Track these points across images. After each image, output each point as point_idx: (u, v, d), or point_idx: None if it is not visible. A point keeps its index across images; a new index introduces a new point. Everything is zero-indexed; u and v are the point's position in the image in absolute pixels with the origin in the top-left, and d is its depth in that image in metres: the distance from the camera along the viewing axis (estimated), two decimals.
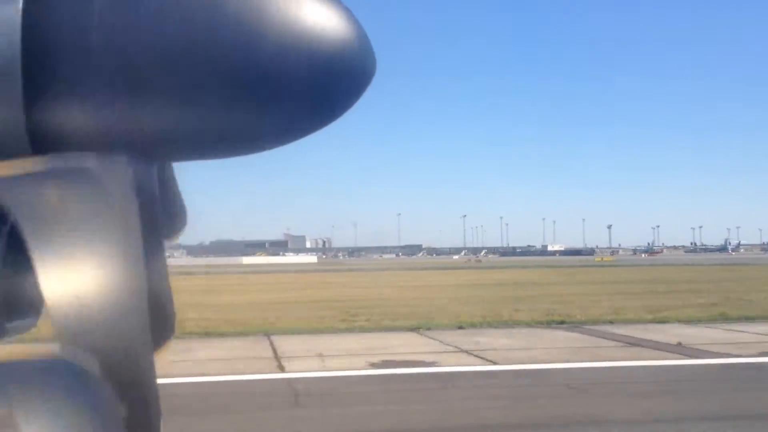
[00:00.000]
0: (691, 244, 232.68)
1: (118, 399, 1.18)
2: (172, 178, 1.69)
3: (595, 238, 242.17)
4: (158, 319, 1.40)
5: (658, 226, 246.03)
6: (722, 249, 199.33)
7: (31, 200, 1.23)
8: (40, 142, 1.27)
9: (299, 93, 1.39)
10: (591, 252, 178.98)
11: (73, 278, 1.17)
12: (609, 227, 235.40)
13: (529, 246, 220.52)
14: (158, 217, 1.44)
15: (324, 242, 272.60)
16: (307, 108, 1.44)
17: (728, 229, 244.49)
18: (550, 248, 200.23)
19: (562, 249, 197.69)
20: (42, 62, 1.26)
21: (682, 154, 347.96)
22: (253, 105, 1.38)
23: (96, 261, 1.18)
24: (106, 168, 1.26)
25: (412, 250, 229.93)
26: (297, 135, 1.51)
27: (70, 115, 1.30)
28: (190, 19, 1.32)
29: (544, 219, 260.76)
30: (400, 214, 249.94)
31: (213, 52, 1.31)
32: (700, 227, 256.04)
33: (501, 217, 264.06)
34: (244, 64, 1.33)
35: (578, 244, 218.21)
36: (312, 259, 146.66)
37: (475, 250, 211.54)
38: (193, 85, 1.33)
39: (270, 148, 1.52)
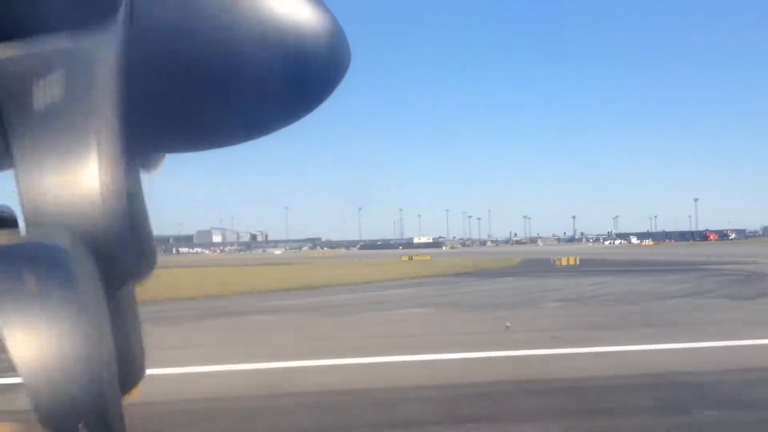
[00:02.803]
0: (564, 233, 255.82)
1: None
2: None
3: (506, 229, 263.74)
4: (128, 367, 1.43)
5: (574, 217, 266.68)
6: (576, 239, 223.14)
7: (9, 85, 1.18)
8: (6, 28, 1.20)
9: (273, 87, 1.37)
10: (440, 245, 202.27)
11: (49, 170, 1.14)
12: (476, 220, 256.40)
13: (437, 239, 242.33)
14: (127, 266, 1.41)
15: (254, 236, 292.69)
16: (280, 101, 1.43)
17: (650, 218, 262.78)
18: (415, 240, 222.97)
19: (429, 241, 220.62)
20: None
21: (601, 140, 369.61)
22: (227, 98, 1.37)
23: (73, 149, 1.15)
24: (83, 48, 1.20)
25: (308, 243, 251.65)
26: (272, 128, 1.51)
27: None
28: (165, 16, 1.30)
29: (447, 211, 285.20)
30: (287, 207, 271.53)
31: (188, 48, 1.30)
32: (617, 217, 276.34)
33: (400, 209, 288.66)
34: (219, 58, 1.31)
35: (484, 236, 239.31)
36: None
37: (372, 243, 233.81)
38: (169, 81, 1.32)
39: (246, 140, 1.52)
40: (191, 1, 1.32)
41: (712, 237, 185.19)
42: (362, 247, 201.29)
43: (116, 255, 1.22)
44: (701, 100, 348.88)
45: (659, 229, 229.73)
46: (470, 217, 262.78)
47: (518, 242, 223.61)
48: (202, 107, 1.39)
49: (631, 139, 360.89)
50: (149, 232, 1.62)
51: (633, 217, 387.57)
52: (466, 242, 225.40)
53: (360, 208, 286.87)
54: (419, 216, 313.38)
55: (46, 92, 1.17)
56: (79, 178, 1.14)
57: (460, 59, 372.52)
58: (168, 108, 1.38)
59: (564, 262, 52.01)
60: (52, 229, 1.15)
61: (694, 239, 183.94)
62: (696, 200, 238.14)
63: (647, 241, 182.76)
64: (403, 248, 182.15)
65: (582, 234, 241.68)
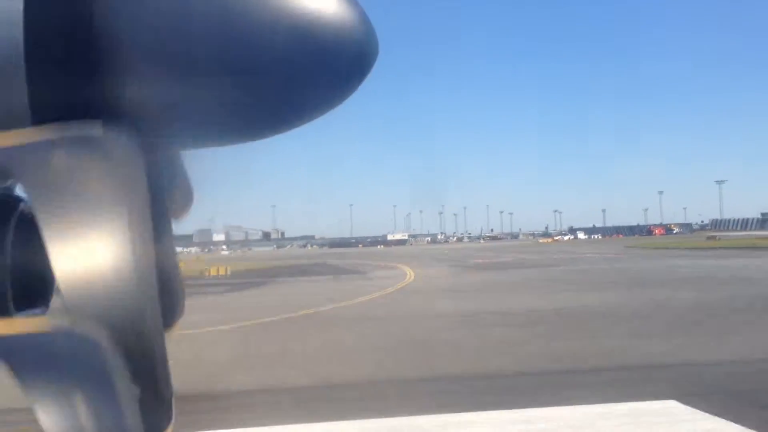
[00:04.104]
0: (545, 227, 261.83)
1: (127, 369, 1.21)
2: (177, 154, 1.65)
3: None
4: (167, 298, 1.42)
5: (555, 211, 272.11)
6: (546, 234, 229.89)
7: (38, 169, 1.20)
8: (42, 113, 1.22)
9: (302, 78, 1.37)
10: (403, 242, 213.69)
11: (81, 249, 1.15)
12: (452, 216, 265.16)
13: (410, 235, 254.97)
14: (164, 194, 1.40)
15: (267, 234, 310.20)
16: (309, 93, 1.42)
17: (644, 210, 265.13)
18: (389, 237, 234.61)
19: (403, 238, 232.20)
20: (46, 39, 1.22)
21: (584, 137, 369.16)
22: (254, 91, 1.36)
23: (104, 230, 1.15)
24: (113, 136, 1.22)
25: (306, 240, 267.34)
26: (302, 120, 1.50)
27: (75, 87, 1.28)
28: (191, 9, 1.30)
29: (443, 206, 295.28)
30: (274, 205, 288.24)
31: (215, 38, 1.30)
32: (604, 210, 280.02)
33: (394, 206, 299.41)
34: (245, 50, 1.32)
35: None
36: None
37: (360, 239, 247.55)
38: (197, 70, 1.32)
39: (274, 134, 1.52)
40: None
41: (657, 231, 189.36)
42: (332, 246, 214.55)
43: (146, 324, 1.24)
44: (689, 96, 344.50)
45: (651, 221, 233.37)
46: (440, 213, 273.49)
47: (494, 238, 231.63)
48: (229, 100, 1.41)
49: (622, 134, 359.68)
50: (178, 285, 1.65)
51: (623, 210, 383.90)
52: (438, 238, 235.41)
53: (351, 205, 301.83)
54: (411, 213, 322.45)
55: (75, 175, 1.20)
56: (109, 257, 1.15)
57: (439, 58, 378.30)
58: (197, 102, 1.40)
59: (213, 273, 49.95)
60: (79, 317, 1.16)
61: (640, 234, 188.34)
62: (661, 193, 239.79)
63: (549, 238, 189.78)
64: (362, 246, 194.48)
65: (572, 228, 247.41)
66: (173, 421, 1.56)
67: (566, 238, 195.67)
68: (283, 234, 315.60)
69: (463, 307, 23.56)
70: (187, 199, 1.80)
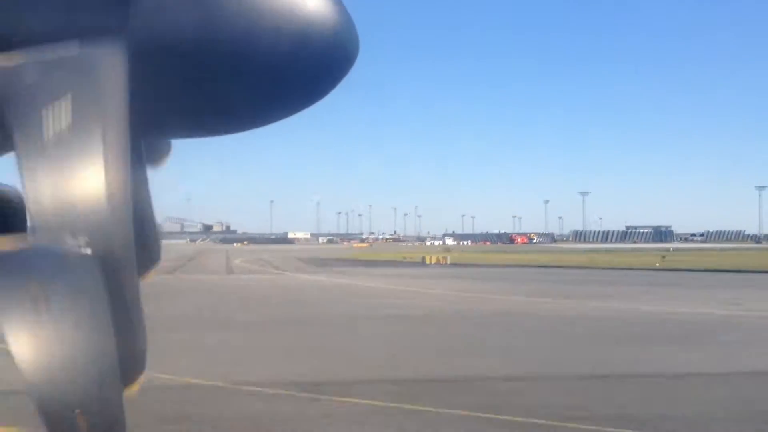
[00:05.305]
0: (453, 232, 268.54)
1: (101, 278, 1.21)
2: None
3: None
4: (131, 360, 1.47)
5: (463, 215, 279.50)
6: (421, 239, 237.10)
7: (17, 93, 1.21)
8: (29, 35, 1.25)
9: (284, 74, 1.41)
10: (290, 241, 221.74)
11: (55, 168, 1.16)
12: (358, 216, 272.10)
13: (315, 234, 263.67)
14: (132, 263, 1.37)
15: (209, 227, 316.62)
16: (292, 89, 1.46)
17: (559, 218, 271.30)
18: (290, 236, 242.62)
19: (306, 237, 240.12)
20: None
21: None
22: (236, 85, 1.40)
23: (81, 155, 1.15)
24: (90, 55, 1.21)
25: (224, 234, 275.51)
26: (282, 114, 1.55)
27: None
28: (177, 5, 1.33)
29: (371, 206, 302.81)
30: (189, 199, 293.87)
31: (203, 36, 1.33)
32: (520, 218, 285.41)
33: (318, 203, 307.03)
34: (232, 47, 1.35)
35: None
36: None
37: (280, 236, 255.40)
38: (181, 67, 1.36)
39: (252, 127, 1.59)
40: None
41: (520, 240, 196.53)
42: (225, 240, 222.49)
43: (121, 253, 1.26)
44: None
45: (568, 229, 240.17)
46: (339, 213, 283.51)
47: (396, 240, 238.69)
48: (212, 94, 1.46)
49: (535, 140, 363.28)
50: (154, 227, 1.72)
51: (539, 217, 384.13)
52: (333, 239, 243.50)
53: (272, 201, 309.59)
54: (341, 212, 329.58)
55: (54, 98, 1.24)
56: (84, 179, 1.18)
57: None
58: (180, 94, 1.45)
59: None
60: (57, 233, 1.19)
61: (503, 241, 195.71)
62: (547, 202, 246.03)
63: (365, 242, 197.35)
64: (246, 243, 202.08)
65: (444, 233, 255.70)
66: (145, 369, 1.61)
67: (437, 243, 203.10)
68: (228, 227, 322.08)
69: None
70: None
